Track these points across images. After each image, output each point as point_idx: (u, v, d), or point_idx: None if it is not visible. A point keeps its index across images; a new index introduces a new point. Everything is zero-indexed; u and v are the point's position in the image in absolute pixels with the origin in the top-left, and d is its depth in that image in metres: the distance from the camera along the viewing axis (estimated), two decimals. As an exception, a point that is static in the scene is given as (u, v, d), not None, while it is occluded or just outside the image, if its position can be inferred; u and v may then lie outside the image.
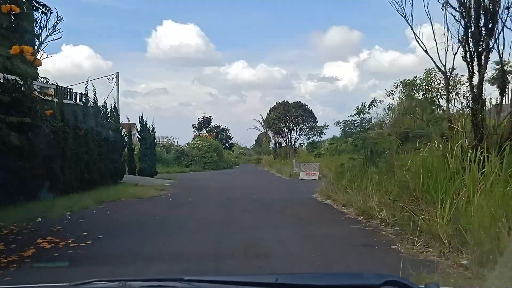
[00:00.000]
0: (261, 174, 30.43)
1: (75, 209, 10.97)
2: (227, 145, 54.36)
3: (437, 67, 7.30)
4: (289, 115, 37.94)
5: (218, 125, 55.14)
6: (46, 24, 7.81)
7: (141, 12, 73.67)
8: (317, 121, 39.24)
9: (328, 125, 38.91)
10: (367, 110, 10.88)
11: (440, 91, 7.65)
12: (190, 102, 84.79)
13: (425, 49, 7.32)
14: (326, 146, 42.04)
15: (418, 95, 7.91)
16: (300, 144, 41.00)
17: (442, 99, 7.86)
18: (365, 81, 76.59)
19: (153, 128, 25.99)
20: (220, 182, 21.53)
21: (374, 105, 9.93)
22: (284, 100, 39.83)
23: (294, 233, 7.17)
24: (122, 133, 21.19)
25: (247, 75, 78.09)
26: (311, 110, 39.31)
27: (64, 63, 59.45)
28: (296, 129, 38.99)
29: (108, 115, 19.55)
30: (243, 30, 78.20)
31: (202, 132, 50.70)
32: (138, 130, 25.87)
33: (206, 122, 53.69)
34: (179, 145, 39.74)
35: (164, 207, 11.58)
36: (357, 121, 12.48)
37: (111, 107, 20.27)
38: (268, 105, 40.86)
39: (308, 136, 40.18)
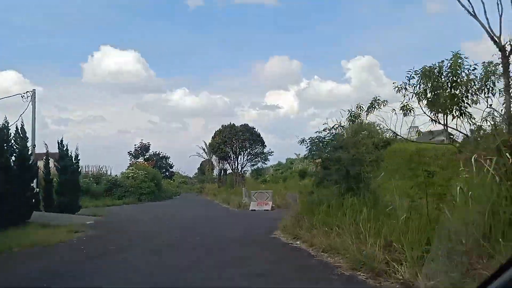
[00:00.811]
0: (205, 205, 27.23)
1: None
2: (167, 174, 50.66)
3: (490, 35, 5.07)
4: (235, 139, 34.78)
5: (157, 152, 51.15)
6: None
7: (76, 37, 67.87)
8: (265, 145, 36.63)
9: (273, 152, 37.15)
10: (364, 116, 8.33)
11: (470, 84, 5.35)
12: (129, 129, 79.53)
13: (472, 11, 5.09)
14: (271, 173, 40.26)
15: (443, 92, 5.56)
16: (244, 171, 38.34)
17: (478, 94, 5.55)
18: (305, 109, 77.57)
19: (77, 156, 22.03)
20: (155, 218, 18.01)
21: (375, 107, 7.43)
22: (230, 123, 36.66)
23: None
24: (32, 160, 17.05)
25: (190, 102, 75.30)
26: (259, 133, 36.52)
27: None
28: (244, 154, 35.94)
29: (11, 138, 15.56)
30: (185, 58, 75.45)
31: (139, 160, 46.41)
32: (57, 158, 21.72)
33: (144, 149, 49.49)
34: (114, 175, 35.44)
35: (67, 264, 7.99)
36: (327, 137, 10.05)
37: (17, 128, 16.33)
38: (211, 133, 37.41)
39: (252, 163, 37.59)
